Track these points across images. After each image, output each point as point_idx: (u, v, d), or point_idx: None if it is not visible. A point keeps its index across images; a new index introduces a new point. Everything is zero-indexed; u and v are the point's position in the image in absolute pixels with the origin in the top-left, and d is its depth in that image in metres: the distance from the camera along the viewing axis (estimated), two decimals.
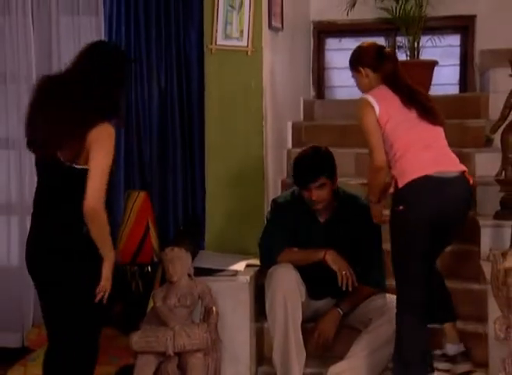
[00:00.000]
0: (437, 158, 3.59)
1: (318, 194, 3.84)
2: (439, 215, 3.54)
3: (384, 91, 3.70)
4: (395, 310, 3.63)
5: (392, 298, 3.76)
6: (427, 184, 3.52)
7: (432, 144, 3.61)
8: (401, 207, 3.53)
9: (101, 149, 3.06)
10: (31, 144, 3.18)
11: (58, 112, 3.07)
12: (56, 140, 3.06)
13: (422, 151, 3.57)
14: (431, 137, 3.63)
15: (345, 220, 3.94)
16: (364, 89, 3.80)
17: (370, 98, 3.66)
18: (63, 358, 3.23)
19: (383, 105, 3.63)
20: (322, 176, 3.83)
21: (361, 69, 3.78)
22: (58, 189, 3.16)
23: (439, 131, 3.67)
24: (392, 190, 3.69)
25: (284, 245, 3.91)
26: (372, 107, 3.63)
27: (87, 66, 3.18)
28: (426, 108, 3.66)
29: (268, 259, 3.90)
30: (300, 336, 3.75)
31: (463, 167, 3.61)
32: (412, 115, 3.63)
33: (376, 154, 3.61)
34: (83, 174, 3.03)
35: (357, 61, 3.83)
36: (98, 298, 3.10)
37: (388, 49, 3.94)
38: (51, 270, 3.15)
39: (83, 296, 3.13)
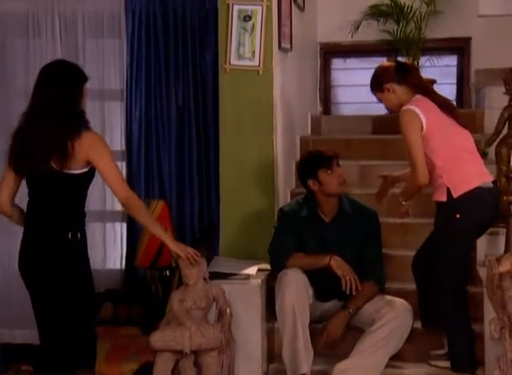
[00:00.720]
0: (480, 168, 3.66)
1: (341, 172, 3.88)
2: (486, 222, 3.67)
3: (424, 100, 3.62)
4: (396, 310, 3.68)
5: (392, 299, 3.79)
6: (479, 195, 3.57)
7: (472, 149, 3.66)
8: (458, 216, 3.55)
9: (100, 153, 3.20)
10: (21, 159, 3.29)
11: (44, 130, 3.22)
12: (44, 152, 3.17)
13: (471, 162, 3.63)
14: (470, 142, 3.67)
15: (348, 219, 3.93)
16: (394, 105, 3.73)
17: (417, 109, 3.56)
18: (64, 355, 3.28)
19: (429, 115, 3.57)
20: (337, 155, 3.92)
21: (386, 86, 3.69)
22: (50, 195, 3.25)
23: (470, 134, 3.70)
24: (439, 197, 3.61)
25: (291, 251, 3.88)
26: (420, 119, 3.55)
27: (52, 90, 3.30)
28: (456, 113, 3.69)
29: (278, 265, 3.88)
30: (308, 335, 3.73)
31: (492, 177, 3.70)
32: (450, 121, 3.62)
33: (422, 171, 3.54)
34: (75, 178, 3.19)
35: (379, 81, 3.74)
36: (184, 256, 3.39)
37: (407, 61, 3.86)
38: (44, 271, 3.25)
39: (74, 293, 3.22)
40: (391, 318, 3.69)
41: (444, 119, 3.61)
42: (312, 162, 3.93)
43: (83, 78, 3.35)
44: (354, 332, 3.82)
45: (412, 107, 3.57)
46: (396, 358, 3.88)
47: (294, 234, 3.94)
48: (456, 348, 3.66)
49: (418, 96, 3.64)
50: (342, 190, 3.91)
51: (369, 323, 3.77)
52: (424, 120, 3.54)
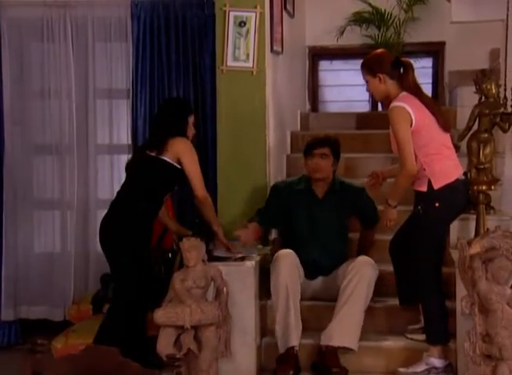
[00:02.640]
0: (457, 163, 3.66)
1: (319, 162, 3.91)
2: (460, 209, 3.70)
3: (413, 99, 3.55)
4: (357, 266, 3.75)
5: (354, 258, 3.87)
6: (458, 187, 3.60)
7: (450, 146, 3.65)
8: (437, 204, 3.54)
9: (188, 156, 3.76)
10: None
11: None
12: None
13: (449, 157, 3.61)
14: (448, 139, 3.65)
15: (337, 196, 3.98)
16: (378, 93, 3.65)
17: (407, 106, 3.50)
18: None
19: (418, 113, 3.52)
20: (327, 147, 3.95)
21: (379, 75, 3.59)
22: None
23: (450, 137, 3.69)
24: (420, 187, 3.57)
25: (264, 221, 4.04)
26: (410, 115, 3.49)
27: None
28: (444, 117, 3.65)
29: (257, 218, 4.08)
30: (299, 312, 3.74)
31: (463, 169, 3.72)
32: (434, 119, 3.57)
33: (410, 161, 3.49)
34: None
35: (374, 66, 3.61)
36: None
37: (405, 59, 3.70)
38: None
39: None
40: (354, 274, 3.73)
41: (429, 118, 3.57)
42: (305, 147, 4.05)
43: (189, 111, 3.91)
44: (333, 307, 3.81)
45: (402, 104, 3.51)
46: (376, 332, 3.89)
47: (279, 209, 4.01)
48: (432, 323, 3.66)
49: (405, 93, 3.57)
50: (315, 176, 3.96)
51: (339, 288, 3.81)
52: (413, 117, 3.51)
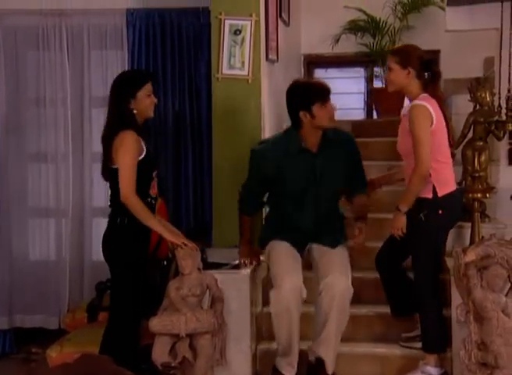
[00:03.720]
0: (454, 172, 3.67)
1: (333, 106, 3.63)
2: (458, 217, 3.73)
3: (434, 102, 3.52)
4: (335, 294, 3.53)
5: (332, 279, 3.57)
6: (456, 195, 3.63)
7: (450, 156, 3.67)
8: (441, 212, 3.53)
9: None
10: None
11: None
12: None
13: (451, 166, 3.63)
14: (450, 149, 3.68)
15: (332, 146, 3.65)
16: (397, 86, 3.57)
17: (429, 106, 3.47)
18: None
19: (437, 116, 3.51)
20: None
21: (410, 69, 3.52)
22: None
23: None
24: (425, 194, 3.52)
25: (252, 207, 3.87)
26: (432, 116, 3.47)
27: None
28: (449, 129, 3.66)
29: (239, 210, 3.89)
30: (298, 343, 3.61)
31: None
32: (446, 133, 3.59)
33: (427, 163, 3.44)
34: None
35: (410, 59, 3.52)
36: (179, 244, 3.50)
37: (436, 68, 3.65)
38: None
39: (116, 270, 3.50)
40: (332, 307, 3.54)
41: (443, 125, 3.57)
42: (308, 95, 3.56)
43: (131, 86, 3.51)
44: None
45: (425, 103, 3.48)
46: (371, 339, 3.89)
47: (262, 177, 3.69)
48: (430, 331, 3.64)
49: (426, 95, 3.53)
50: (333, 124, 3.64)
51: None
52: (434, 118, 3.49)
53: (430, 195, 3.53)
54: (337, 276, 3.55)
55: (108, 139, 3.43)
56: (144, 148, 3.48)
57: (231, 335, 3.67)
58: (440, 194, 3.53)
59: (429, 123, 3.47)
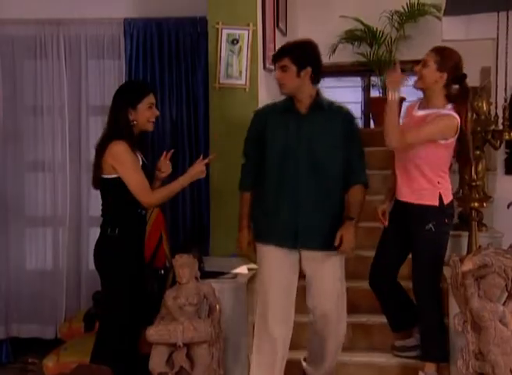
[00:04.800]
0: None
1: (280, 75, 3.36)
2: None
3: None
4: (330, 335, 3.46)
5: (323, 314, 3.45)
6: (454, 204, 3.67)
7: None
8: (446, 220, 3.54)
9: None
10: None
11: None
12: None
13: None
14: None
15: (324, 113, 3.41)
16: (428, 84, 3.46)
17: (457, 118, 3.43)
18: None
19: (459, 130, 3.48)
20: (286, 57, 3.35)
21: (445, 74, 3.43)
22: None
23: None
24: (431, 201, 3.50)
25: (249, 177, 3.54)
26: (457, 129, 3.44)
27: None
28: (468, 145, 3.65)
29: (239, 187, 3.63)
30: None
31: None
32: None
33: (398, 141, 3.42)
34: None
35: (451, 64, 3.44)
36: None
37: (466, 85, 3.53)
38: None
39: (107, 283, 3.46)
40: (329, 349, 3.49)
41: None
42: (316, 53, 3.47)
43: (131, 98, 3.48)
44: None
45: (457, 117, 3.44)
46: (369, 348, 3.88)
47: (256, 138, 3.48)
48: (431, 339, 3.62)
49: (452, 106, 3.48)
50: (281, 92, 3.45)
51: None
52: (458, 131, 3.47)
53: (436, 203, 3.52)
54: (329, 315, 3.43)
55: (100, 148, 3.41)
56: (140, 158, 3.47)
57: (228, 344, 3.66)
58: (446, 201, 3.53)
59: (448, 135, 3.43)
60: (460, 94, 3.53)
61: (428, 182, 3.50)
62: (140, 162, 3.46)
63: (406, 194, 3.58)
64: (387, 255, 3.72)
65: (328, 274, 3.44)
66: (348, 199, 3.46)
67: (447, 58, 3.46)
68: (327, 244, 3.38)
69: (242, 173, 3.63)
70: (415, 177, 3.53)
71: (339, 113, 3.47)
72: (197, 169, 3.52)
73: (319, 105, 3.43)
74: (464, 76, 3.53)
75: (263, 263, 3.50)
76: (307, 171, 3.36)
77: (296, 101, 3.43)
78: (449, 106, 3.48)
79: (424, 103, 3.58)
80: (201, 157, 3.57)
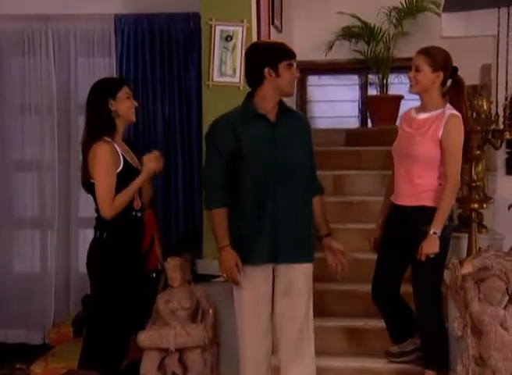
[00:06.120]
0: None
1: (298, 74, 3.39)
2: None
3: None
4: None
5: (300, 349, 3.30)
6: None
7: None
8: (447, 222, 3.48)
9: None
10: None
11: None
12: None
13: None
14: None
15: (291, 118, 3.35)
16: (422, 89, 3.45)
17: (460, 116, 3.43)
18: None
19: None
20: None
21: (440, 73, 3.43)
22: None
23: None
24: (431, 203, 3.45)
25: (222, 199, 3.25)
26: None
27: None
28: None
29: (210, 207, 3.31)
30: None
31: None
32: None
33: (459, 179, 3.42)
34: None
35: (443, 62, 3.45)
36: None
37: (459, 76, 3.55)
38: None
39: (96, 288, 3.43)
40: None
41: None
42: (276, 52, 3.34)
43: (106, 92, 3.47)
44: None
45: (457, 113, 3.43)
46: (365, 354, 3.89)
47: (223, 152, 3.27)
48: (432, 348, 3.56)
49: (450, 106, 3.48)
50: (291, 92, 3.36)
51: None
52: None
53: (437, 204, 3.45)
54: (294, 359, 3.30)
55: (85, 150, 3.40)
56: (122, 159, 3.42)
57: (222, 350, 3.67)
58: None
59: (463, 134, 3.43)
60: (454, 87, 3.55)
61: (430, 183, 3.48)
62: (122, 162, 3.41)
63: (405, 197, 3.54)
64: (386, 271, 3.65)
65: (300, 296, 3.30)
66: (315, 212, 3.38)
67: (437, 57, 3.47)
68: (302, 257, 3.31)
69: (211, 190, 3.33)
70: (416, 178, 3.49)
71: (300, 119, 3.47)
72: (150, 168, 3.44)
73: (284, 110, 3.35)
74: (456, 68, 3.55)
75: (239, 291, 3.32)
76: (285, 181, 3.27)
77: (259, 107, 3.31)
78: (448, 105, 3.48)
79: (422, 106, 3.57)
80: (154, 152, 3.49)
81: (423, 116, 3.53)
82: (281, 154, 3.27)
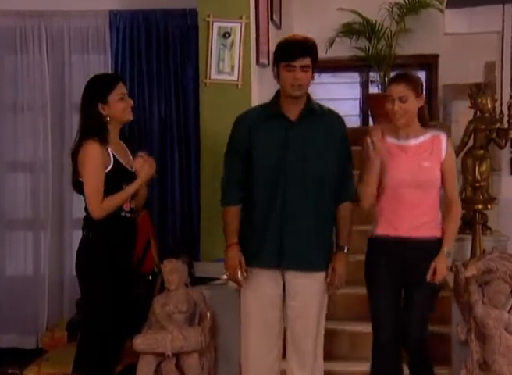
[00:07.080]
0: None
1: (302, 75, 3.18)
2: None
3: None
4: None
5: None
6: None
7: None
8: None
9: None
10: None
11: None
12: None
13: None
14: None
15: (315, 119, 3.25)
16: (412, 118, 3.30)
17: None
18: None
19: None
20: (309, 56, 3.20)
21: (423, 96, 3.31)
22: None
23: None
24: (439, 233, 3.28)
25: (235, 190, 3.29)
26: None
27: None
28: None
29: (223, 204, 3.37)
30: None
31: None
32: None
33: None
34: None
35: (420, 85, 3.32)
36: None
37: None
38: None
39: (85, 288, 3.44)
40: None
41: None
42: (277, 51, 3.31)
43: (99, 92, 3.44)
44: None
45: (444, 135, 3.35)
46: (367, 358, 3.87)
47: (240, 147, 3.28)
48: (424, 364, 3.32)
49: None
50: (294, 94, 3.21)
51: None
52: None
53: (440, 234, 3.29)
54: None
55: (75, 151, 3.39)
56: (112, 158, 3.40)
57: (220, 354, 3.66)
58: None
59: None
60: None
61: (436, 214, 3.30)
62: (112, 162, 3.39)
63: (406, 228, 3.27)
64: (393, 306, 3.34)
65: (311, 310, 3.29)
66: (337, 219, 3.32)
67: (416, 81, 3.34)
68: (310, 266, 3.25)
69: (226, 187, 3.36)
70: (428, 206, 3.27)
71: (332, 118, 3.33)
72: (143, 176, 3.44)
73: (309, 111, 3.27)
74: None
75: (245, 300, 3.34)
76: (296, 185, 3.20)
77: (284, 106, 3.25)
78: (432, 123, 3.43)
79: (405, 131, 3.37)
80: (141, 155, 3.48)
81: (416, 141, 3.34)
82: (292, 156, 3.19)
